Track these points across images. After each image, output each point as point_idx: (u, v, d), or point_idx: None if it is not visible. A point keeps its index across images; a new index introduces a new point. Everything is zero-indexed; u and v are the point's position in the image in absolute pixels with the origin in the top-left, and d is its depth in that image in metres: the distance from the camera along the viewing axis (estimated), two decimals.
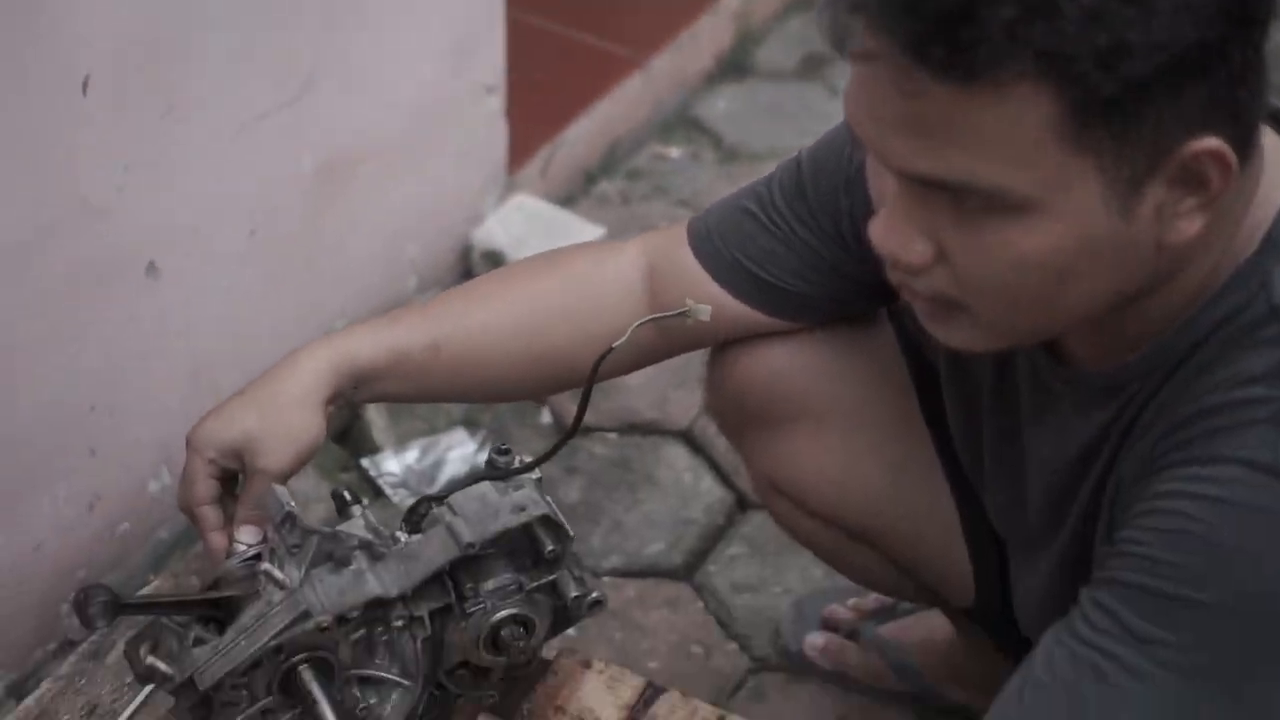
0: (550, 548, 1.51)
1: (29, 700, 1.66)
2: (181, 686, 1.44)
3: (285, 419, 1.57)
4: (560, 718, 1.66)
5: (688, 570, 2.27)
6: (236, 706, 1.48)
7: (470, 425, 2.47)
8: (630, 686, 1.69)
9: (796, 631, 2.12)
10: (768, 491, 1.73)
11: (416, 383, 1.64)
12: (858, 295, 1.56)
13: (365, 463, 2.39)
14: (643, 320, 1.48)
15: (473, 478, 1.56)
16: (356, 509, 1.57)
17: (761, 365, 1.63)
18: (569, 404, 2.50)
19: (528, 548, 1.54)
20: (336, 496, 1.60)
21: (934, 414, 1.64)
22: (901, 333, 1.63)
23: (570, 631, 2.11)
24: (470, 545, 1.47)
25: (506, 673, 1.62)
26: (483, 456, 2.43)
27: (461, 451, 2.42)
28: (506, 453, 1.56)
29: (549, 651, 1.72)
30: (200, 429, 1.58)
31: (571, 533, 1.53)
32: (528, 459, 1.57)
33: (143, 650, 1.46)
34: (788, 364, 1.62)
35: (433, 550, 1.48)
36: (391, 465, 2.38)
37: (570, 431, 1.54)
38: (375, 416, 2.45)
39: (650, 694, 1.69)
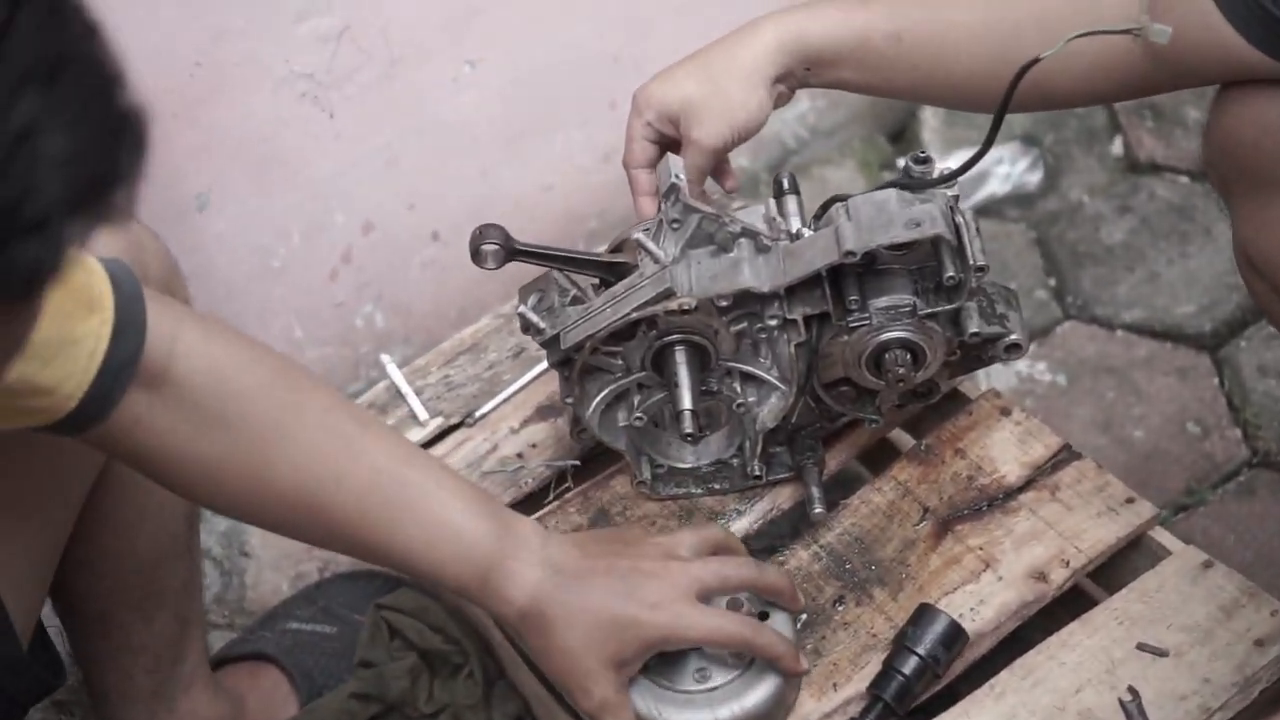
0: (949, 274, 1.39)
1: (465, 331, 1.73)
2: (548, 341, 1.45)
3: (727, 91, 1.51)
4: (957, 461, 1.55)
5: (1215, 341, 2.04)
6: (609, 373, 1.48)
7: (1028, 141, 2.30)
8: (1043, 445, 1.55)
9: None
10: (1245, 264, 1.50)
11: (874, 72, 1.52)
12: None
13: (900, 161, 2.28)
14: (1080, 33, 1.29)
15: (884, 184, 1.45)
16: (791, 198, 1.50)
17: (1254, 115, 1.39)
18: (1145, 134, 2.28)
19: (933, 271, 1.42)
20: (776, 181, 1.53)
21: None
22: None
23: (1060, 379, 2.00)
24: (850, 253, 1.37)
25: (902, 399, 1.53)
26: (1031, 176, 2.29)
27: (1010, 169, 2.27)
28: (926, 161, 1.43)
29: (971, 390, 1.61)
30: (646, 88, 1.55)
31: (982, 263, 1.40)
32: (950, 169, 1.43)
33: (529, 299, 1.48)
34: None
35: (814, 251, 1.40)
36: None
37: (982, 149, 1.39)
38: (929, 117, 2.33)
39: (1062, 458, 1.54)
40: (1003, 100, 1.36)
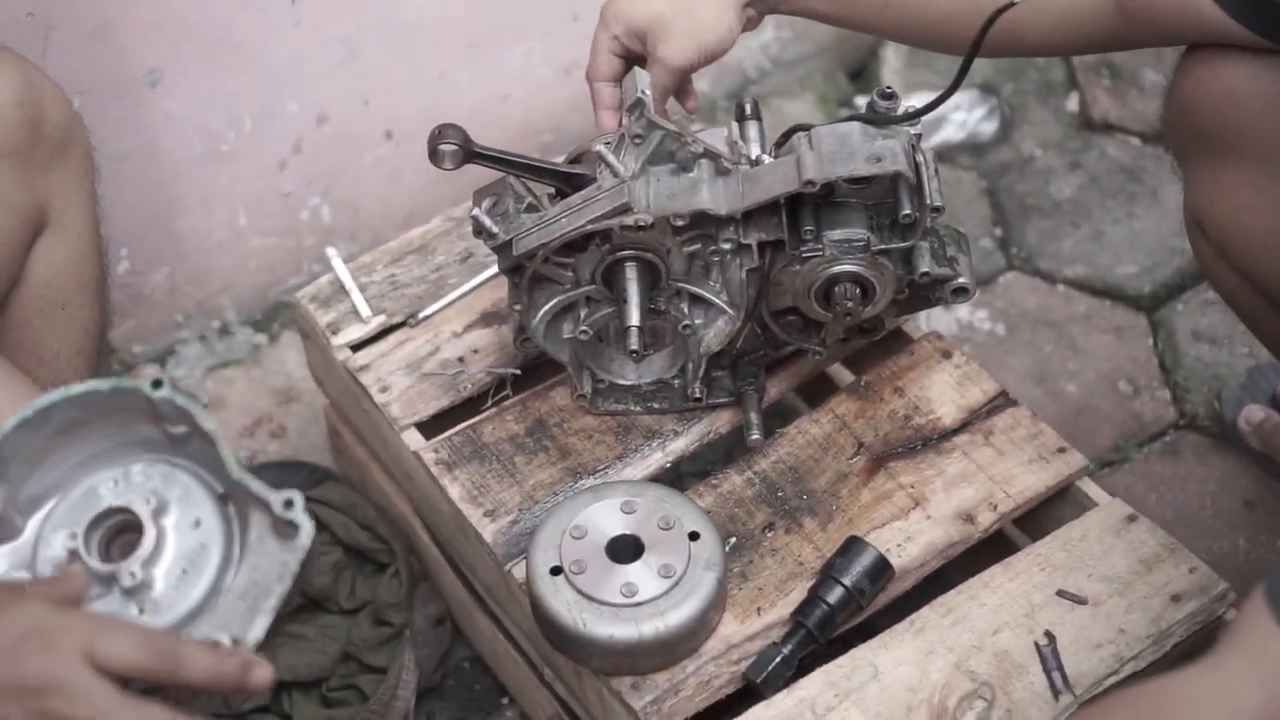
0: (906, 211, 1.39)
1: (414, 232, 1.72)
2: (500, 247, 1.44)
3: (697, 11, 1.50)
4: (895, 399, 1.56)
5: (1153, 302, 2.06)
6: (559, 285, 1.47)
7: (986, 90, 2.30)
8: (981, 389, 1.57)
9: (1239, 399, 1.89)
10: (1194, 229, 1.51)
11: (845, 5, 1.52)
12: None
13: (861, 101, 2.28)
14: None
15: (849, 116, 1.45)
16: (751, 123, 1.49)
17: (1217, 79, 1.41)
18: (1101, 91, 2.29)
19: (890, 208, 1.43)
20: (738, 105, 1.53)
21: None
22: None
23: (999, 329, 2.02)
24: (810, 182, 1.37)
25: (847, 333, 1.54)
26: (987, 126, 2.29)
27: (966, 115, 2.27)
28: (891, 97, 1.43)
29: (914, 330, 1.62)
30: (615, 2, 1.53)
31: (938, 204, 1.40)
32: (915, 108, 1.43)
33: (483, 203, 1.47)
34: (1247, 85, 1.39)
35: (774, 178, 1.40)
36: None
37: (949, 90, 1.39)
38: (891, 57, 2.33)
39: (999, 404, 1.56)
40: (973, 43, 1.36)
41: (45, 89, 1.35)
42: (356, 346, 1.65)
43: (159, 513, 1.08)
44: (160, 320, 1.94)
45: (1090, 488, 1.52)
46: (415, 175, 2.03)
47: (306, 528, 1.06)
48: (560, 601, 1.37)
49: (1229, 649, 0.97)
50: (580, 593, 1.37)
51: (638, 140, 1.41)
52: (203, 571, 1.08)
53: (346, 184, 1.97)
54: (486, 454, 1.54)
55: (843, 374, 1.66)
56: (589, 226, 1.40)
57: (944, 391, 1.57)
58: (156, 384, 1.07)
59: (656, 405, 1.56)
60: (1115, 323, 2.05)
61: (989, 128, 2.27)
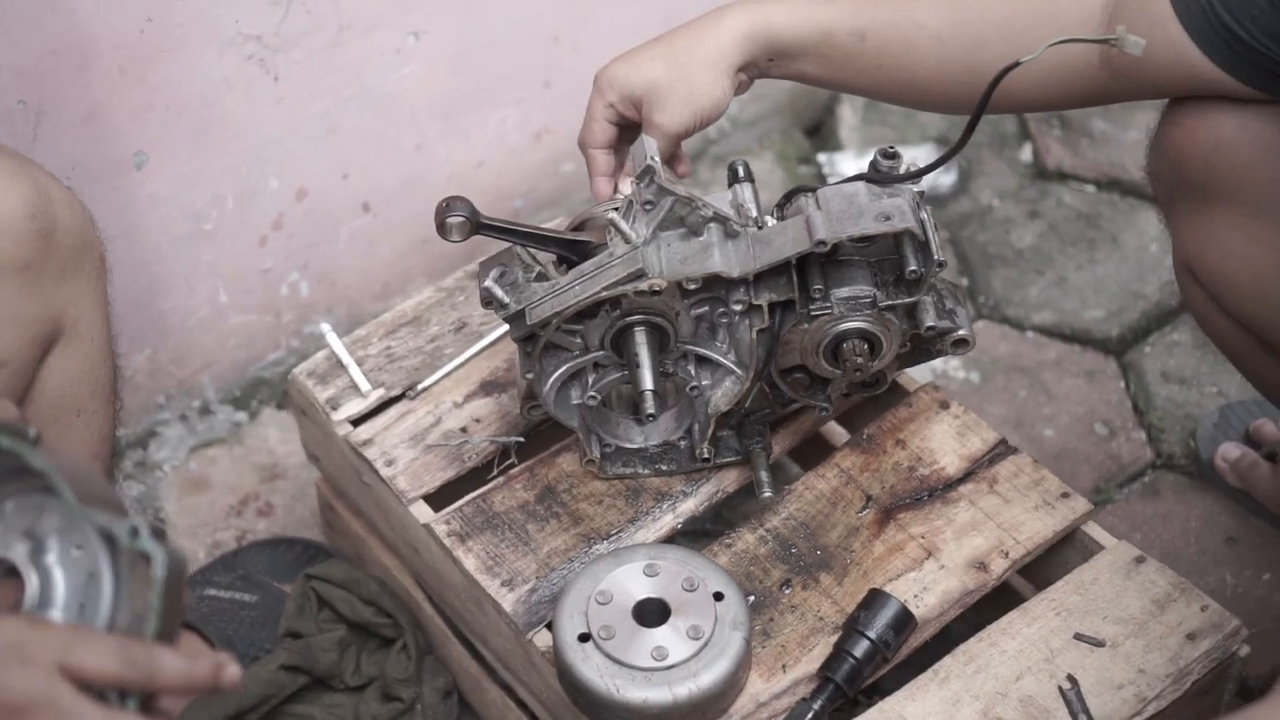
0: (912, 267, 1.42)
1: (407, 304, 1.72)
2: (513, 316, 1.45)
3: (691, 76, 1.52)
4: (898, 451, 1.59)
5: (1120, 345, 2.11)
6: (569, 351, 1.48)
7: (942, 143, 2.35)
8: (981, 438, 1.59)
9: (1214, 437, 1.94)
10: (1184, 275, 1.55)
11: (836, 68, 1.55)
12: None
13: (822, 158, 2.32)
14: (1060, 39, 1.33)
15: (852, 177, 1.47)
16: (745, 186, 1.52)
17: (1207, 130, 1.45)
18: (1053, 142, 2.34)
19: (894, 264, 1.45)
20: (731, 168, 1.55)
21: None
22: None
23: (974, 377, 2.05)
24: (822, 242, 1.39)
25: (851, 389, 1.56)
26: (945, 178, 2.34)
27: None
28: (894, 156, 1.46)
29: (910, 384, 1.65)
30: (608, 70, 1.56)
31: (941, 259, 1.43)
32: (917, 167, 1.46)
33: (492, 273, 1.48)
34: (1237, 135, 1.43)
35: (785, 239, 1.42)
36: (847, 167, 2.30)
37: (955, 148, 1.42)
38: (848, 115, 2.37)
39: (1000, 452, 1.59)
40: (980, 101, 1.39)
41: (58, 196, 1.33)
42: (357, 421, 1.64)
43: (37, 552, 1.04)
44: (141, 402, 1.92)
45: (1096, 531, 1.55)
46: (390, 247, 2.03)
47: (159, 556, 1.00)
48: (591, 668, 1.37)
49: None
50: (611, 658, 1.38)
51: (648, 206, 1.43)
52: (100, 601, 1.02)
53: (324, 258, 1.97)
54: (499, 523, 1.54)
55: (835, 432, 1.68)
56: (604, 293, 1.41)
57: (945, 441, 1.60)
58: None
59: (664, 467, 1.57)
60: (1086, 366, 2.09)
61: (948, 180, 2.31)
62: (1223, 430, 1.95)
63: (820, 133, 2.39)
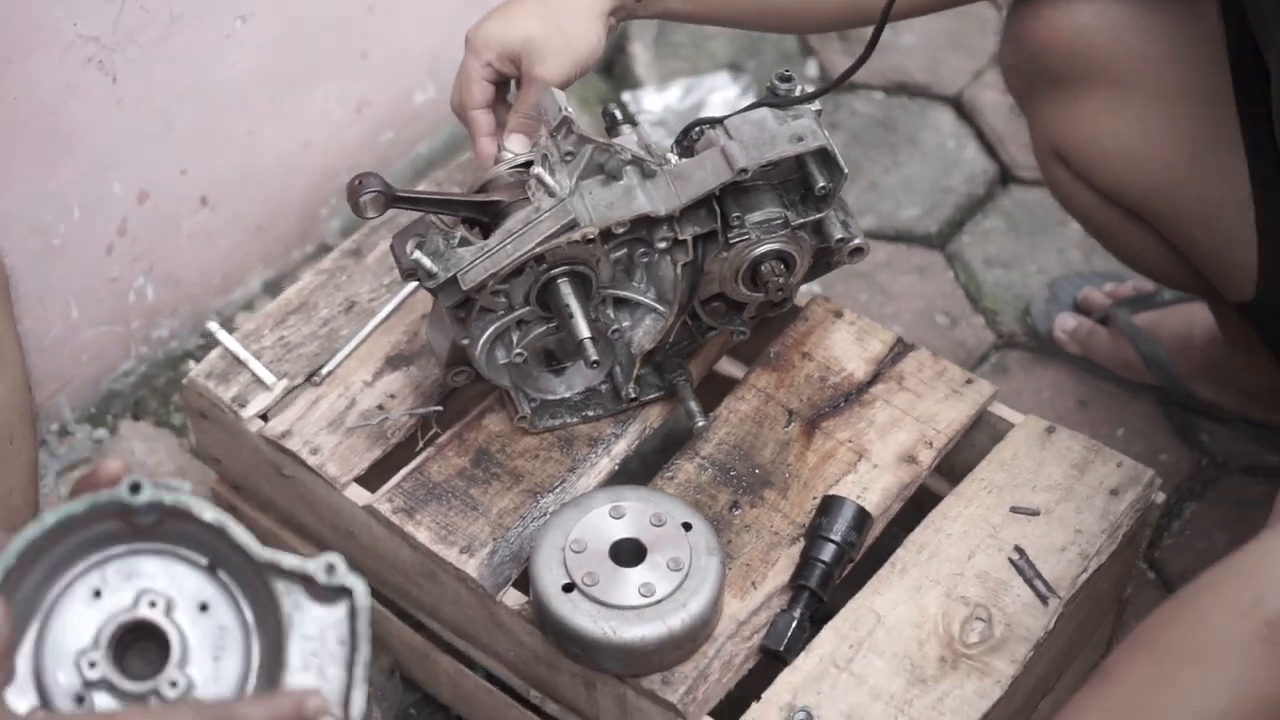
0: (822, 184, 1.47)
1: (289, 291, 1.69)
2: (444, 285, 1.45)
3: (566, 26, 1.54)
4: (806, 363, 1.64)
5: (941, 239, 2.21)
6: (494, 313, 1.49)
7: (735, 68, 2.41)
8: (880, 340, 1.67)
9: (1047, 311, 2.06)
10: (1049, 159, 1.65)
11: (702, 1, 1.59)
12: None
13: (626, 97, 2.36)
14: None
15: (752, 104, 1.52)
16: (627, 127, 1.54)
17: (1067, 18, 1.54)
18: (836, 55, 2.42)
19: (798, 183, 1.51)
20: (606, 114, 1.57)
21: (1243, 93, 1.53)
22: (1225, 2, 1.52)
23: (815, 288, 2.12)
24: (744, 170, 1.43)
25: (759, 310, 1.61)
26: (745, 100, 2.40)
27: (724, 95, 2.37)
28: (789, 79, 1.51)
29: (800, 298, 1.70)
30: (481, 28, 1.56)
31: (846, 170, 1.49)
32: (810, 89, 1.51)
33: (409, 245, 1.47)
34: (1096, 20, 1.53)
35: (705, 172, 1.45)
36: (652, 102, 2.35)
37: (859, 61, 1.48)
38: (640, 51, 2.41)
39: (899, 350, 1.66)
40: (881, 15, 1.44)
41: None
42: (265, 415, 1.62)
43: (169, 609, 1.04)
44: None
45: (1003, 410, 1.64)
46: (229, 238, 1.99)
47: (360, 587, 1.04)
48: (582, 615, 1.40)
49: None
50: (600, 603, 1.40)
51: (569, 157, 1.45)
52: (231, 650, 1.04)
53: (168, 258, 1.92)
54: (441, 493, 1.55)
55: (728, 367, 1.73)
56: (539, 248, 1.42)
57: (848, 348, 1.66)
58: (135, 488, 1.00)
59: (591, 413, 1.60)
60: (915, 263, 2.19)
61: (748, 102, 2.37)
62: (1054, 303, 2.07)
63: (614, 72, 2.43)
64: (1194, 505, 1.94)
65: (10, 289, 1.40)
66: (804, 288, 1.70)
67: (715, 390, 1.66)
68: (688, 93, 2.36)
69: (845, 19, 1.61)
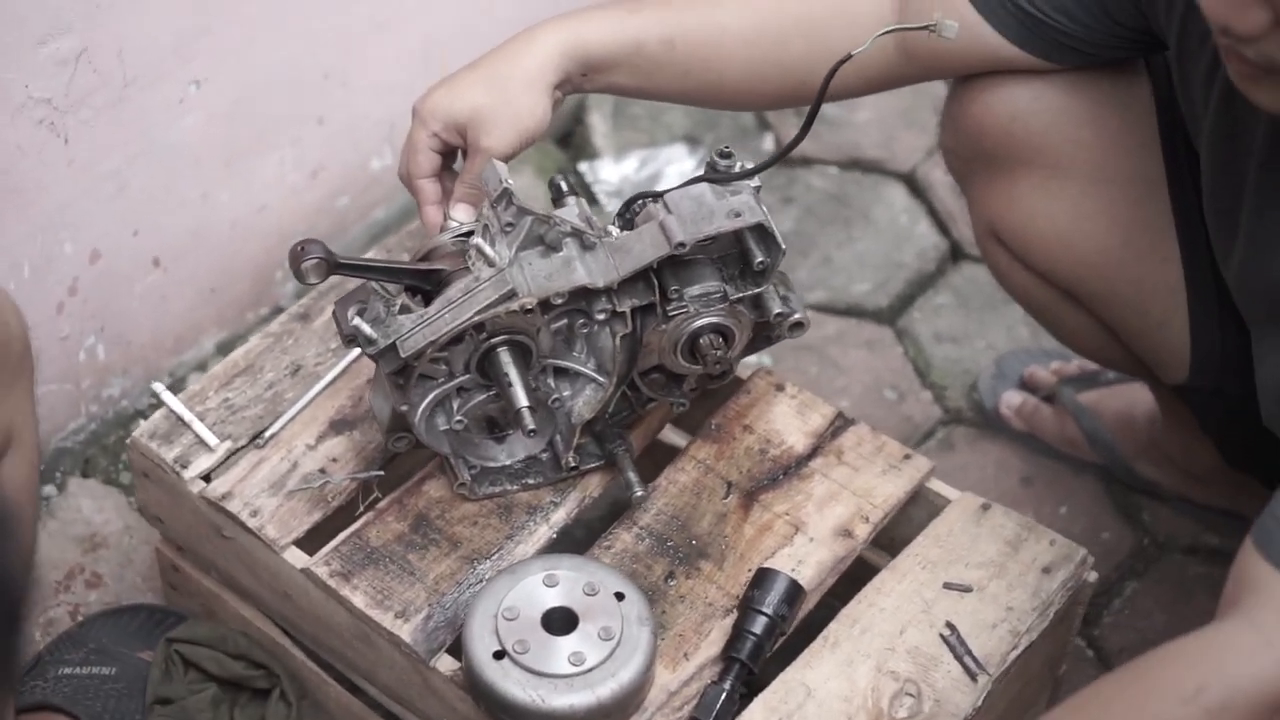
0: (760, 259, 1.50)
1: (236, 353, 1.70)
2: (384, 351, 1.46)
3: (513, 98, 1.56)
4: (747, 436, 1.66)
5: (891, 314, 2.24)
6: (434, 380, 1.50)
7: (691, 141, 2.44)
8: (820, 414, 1.68)
9: (994, 388, 2.08)
10: (987, 239, 1.68)
11: (647, 77, 1.61)
12: (1123, 41, 1.49)
13: (583, 167, 2.38)
14: (886, 29, 1.43)
15: (692, 179, 1.54)
16: (571, 199, 1.56)
17: (1004, 102, 1.57)
18: (792, 129, 2.45)
19: (737, 257, 1.53)
20: (553, 185, 1.59)
21: (1175, 178, 1.56)
22: (1158, 88, 1.55)
23: (765, 360, 2.14)
24: (681, 244, 1.45)
25: (699, 382, 1.63)
26: (700, 172, 2.43)
27: (680, 167, 2.40)
28: (728, 156, 1.53)
29: (743, 370, 1.72)
30: (428, 100, 1.58)
31: (784, 246, 1.51)
32: (750, 165, 1.54)
33: (350, 312, 1.49)
34: (1032, 104, 1.55)
35: (644, 245, 1.47)
36: (609, 173, 2.37)
37: (796, 139, 1.50)
38: (598, 122, 2.44)
39: (840, 424, 1.68)
40: (817, 96, 1.47)
41: (5, 304, 1.28)
42: (207, 476, 1.62)
43: None
44: None
45: (940, 486, 1.65)
46: (181, 300, 2.00)
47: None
48: (512, 683, 1.40)
49: (1258, 606, 1.11)
50: (530, 670, 1.41)
51: (509, 228, 1.46)
52: None
53: (119, 318, 1.93)
54: (379, 557, 1.55)
55: (672, 436, 1.74)
56: (477, 317, 1.44)
57: (788, 421, 1.68)
58: None
59: (532, 481, 1.61)
60: (865, 337, 2.21)
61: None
62: (1000, 380, 2.10)
63: (572, 143, 2.45)
64: (1135, 584, 1.96)
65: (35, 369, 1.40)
66: (750, 360, 1.71)
67: (658, 460, 1.68)
68: (644, 164, 2.39)
69: (786, 98, 1.63)
